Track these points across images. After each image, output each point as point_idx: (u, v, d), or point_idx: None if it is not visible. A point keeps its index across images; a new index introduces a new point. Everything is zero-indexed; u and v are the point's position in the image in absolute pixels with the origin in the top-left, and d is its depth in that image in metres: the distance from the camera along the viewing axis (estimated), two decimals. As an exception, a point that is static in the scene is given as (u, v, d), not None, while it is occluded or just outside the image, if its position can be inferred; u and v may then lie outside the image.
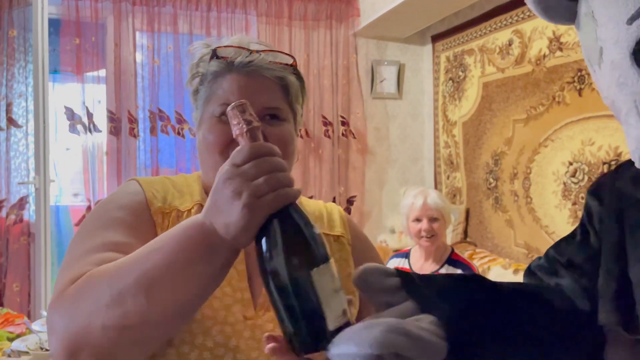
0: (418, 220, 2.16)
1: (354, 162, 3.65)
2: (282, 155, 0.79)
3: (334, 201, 3.58)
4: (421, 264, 2.19)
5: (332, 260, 0.59)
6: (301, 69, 3.43)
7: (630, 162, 0.85)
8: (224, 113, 0.79)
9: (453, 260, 2.15)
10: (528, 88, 2.79)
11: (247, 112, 0.60)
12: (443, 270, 2.12)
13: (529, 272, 0.93)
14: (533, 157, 2.76)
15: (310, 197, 3.54)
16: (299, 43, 3.49)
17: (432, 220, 2.13)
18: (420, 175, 3.85)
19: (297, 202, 0.60)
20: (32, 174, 2.92)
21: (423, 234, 2.14)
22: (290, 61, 0.84)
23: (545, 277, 0.89)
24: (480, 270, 2.81)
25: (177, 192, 0.85)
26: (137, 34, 3.24)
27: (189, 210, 0.83)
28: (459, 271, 2.10)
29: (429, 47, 3.75)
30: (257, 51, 0.82)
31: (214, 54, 0.82)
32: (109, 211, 0.79)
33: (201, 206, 0.83)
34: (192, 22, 3.29)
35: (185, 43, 3.29)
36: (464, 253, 3.00)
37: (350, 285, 0.85)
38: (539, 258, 0.94)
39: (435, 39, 3.67)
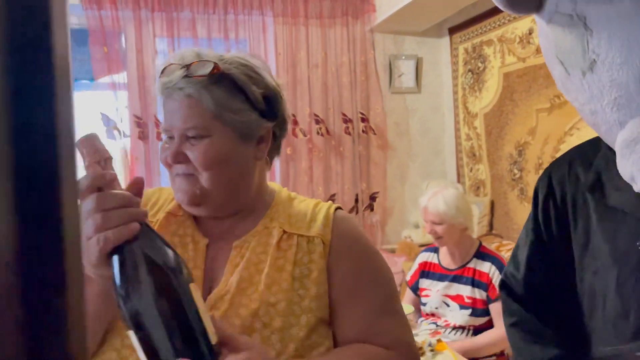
0: (426, 221, 2.18)
1: (375, 158, 3.64)
2: (212, 170, 0.81)
3: (356, 199, 3.58)
4: (449, 260, 2.19)
5: (194, 284, 0.61)
6: (319, 67, 3.47)
7: (583, 157, 0.83)
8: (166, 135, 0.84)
9: (481, 253, 2.14)
10: (551, 77, 2.73)
11: (97, 143, 0.61)
12: (471, 265, 2.11)
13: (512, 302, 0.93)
14: (558, 147, 2.72)
15: (333, 195, 3.56)
16: (316, 41, 3.50)
17: (434, 223, 2.13)
18: (442, 168, 3.83)
19: (147, 227, 0.61)
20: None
21: (430, 235, 2.15)
22: (207, 71, 0.79)
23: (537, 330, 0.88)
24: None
25: (161, 200, 0.91)
26: (157, 40, 3.28)
27: (160, 220, 0.88)
28: (487, 264, 2.09)
29: (447, 39, 3.72)
30: (187, 66, 0.80)
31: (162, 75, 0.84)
32: None
33: (169, 215, 0.88)
34: (209, 25, 3.32)
35: (204, 47, 3.32)
36: (490, 245, 2.98)
37: (312, 290, 0.82)
38: (509, 277, 0.94)
39: (453, 30, 3.64)
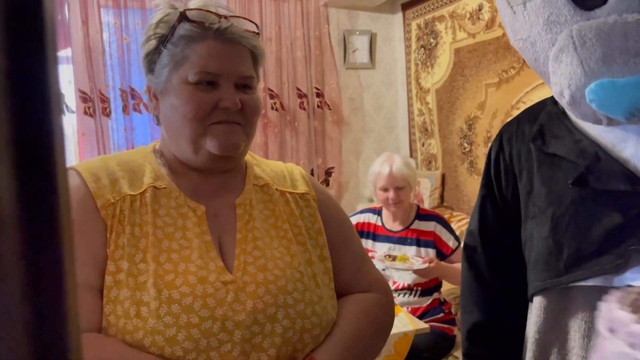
0: (385, 189, 2.19)
1: (330, 134, 3.66)
2: (253, 124, 0.86)
3: (312, 173, 3.59)
4: (391, 224, 2.26)
5: None
6: (273, 41, 3.43)
7: (530, 114, 0.90)
8: (200, 81, 0.80)
9: (421, 215, 2.22)
10: (499, 52, 2.83)
11: None
12: (414, 226, 2.19)
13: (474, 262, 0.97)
14: (506, 120, 2.79)
15: (289, 170, 3.55)
16: (269, 15, 3.44)
17: (398, 189, 2.17)
18: (395, 143, 3.89)
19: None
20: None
21: (390, 202, 2.19)
22: (257, 30, 0.86)
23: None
24: (458, 233, 2.89)
25: (125, 173, 0.83)
26: (103, 10, 3.14)
27: (142, 194, 0.81)
28: (430, 223, 2.17)
29: (400, 15, 3.74)
30: (226, 17, 0.81)
31: (184, 17, 0.81)
32: None
33: (155, 188, 0.82)
34: (159, -4, 3.21)
35: (153, 18, 3.21)
36: (442, 217, 3.08)
37: (319, 240, 0.90)
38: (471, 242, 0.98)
39: (406, 6, 3.66)
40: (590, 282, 0.76)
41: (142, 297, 0.74)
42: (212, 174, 0.86)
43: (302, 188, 0.93)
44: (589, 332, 0.77)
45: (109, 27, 3.18)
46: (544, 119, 0.86)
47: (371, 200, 3.71)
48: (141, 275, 0.75)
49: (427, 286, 2.16)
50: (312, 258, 0.86)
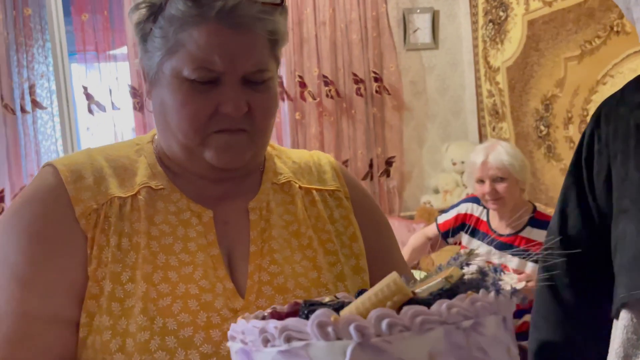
0: (482, 181, 1.91)
1: (390, 121, 3.49)
2: (264, 129, 0.68)
3: (371, 164, 3.45)
4: (497, 223, 1.96)
5: None
6: (327, 24, 3.27)
7: (638, 82, 0.76)
8: (197, 78, 0.63)
9: (536, 220, 1.90)
10: (581, 20, 2.54)
11: None
12: (524, 234, 1.89)
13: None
14: (590, 98, 2.54)
15: (345, 161, 3.42)
16: (323, -3, 3.30)
17: (495, 180, 1.87)
18: (463, 129, 3.66)
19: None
20: (62, 155, 2.91)
21: (487, 197, 1.90)
22: (279, 0, 0.65)
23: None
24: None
25: (114, 171, 0.69)
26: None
27: (134, 196, 0.67)
28: (544, 232, 1.86)
29: (465, -12, 3.49)
30: None
31: None
32: (19, 233, 0.64)
33: (150, 189, 0.68)
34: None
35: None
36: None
37: (354, 248, 0.76)
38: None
39: (471, -22, 3.41)
40: None
41: (128, 327, 0.61)
42: (216, 180, 0.71)
43: (331, 183, 0.77)
44: None
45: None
46: None
47: (437, 192, 3.50)
48: (128, 299, 0.62)
49: (519, 307, 1.86)
50: (345, 271, 0.71)
